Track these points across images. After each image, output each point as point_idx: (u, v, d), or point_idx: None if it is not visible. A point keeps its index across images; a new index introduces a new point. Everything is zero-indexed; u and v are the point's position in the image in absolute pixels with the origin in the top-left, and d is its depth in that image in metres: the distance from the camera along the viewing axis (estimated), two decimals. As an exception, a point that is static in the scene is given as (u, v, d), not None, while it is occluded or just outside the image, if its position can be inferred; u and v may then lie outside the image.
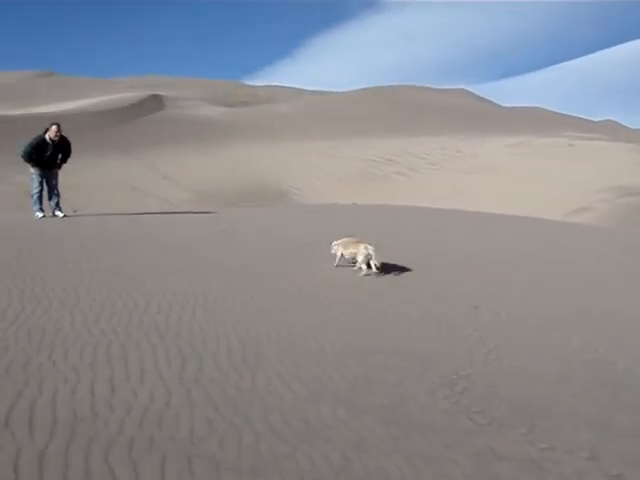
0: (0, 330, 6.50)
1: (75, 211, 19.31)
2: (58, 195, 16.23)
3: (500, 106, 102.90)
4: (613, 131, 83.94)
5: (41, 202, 16.13)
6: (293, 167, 50.10)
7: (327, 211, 21.62)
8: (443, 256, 13.15)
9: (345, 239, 11.12)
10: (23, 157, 15.85)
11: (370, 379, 5.94)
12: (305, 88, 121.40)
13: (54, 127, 15.91)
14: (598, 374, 6.67)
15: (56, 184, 16.23)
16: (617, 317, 9.56)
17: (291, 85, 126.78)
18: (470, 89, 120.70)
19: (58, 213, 16.06)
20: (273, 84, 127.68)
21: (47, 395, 5.07)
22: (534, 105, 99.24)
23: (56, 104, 74.48)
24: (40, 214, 15.95)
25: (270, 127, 66.31)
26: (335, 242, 11.21)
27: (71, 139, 16.43)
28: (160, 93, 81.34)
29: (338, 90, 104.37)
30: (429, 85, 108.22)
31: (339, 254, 11.00)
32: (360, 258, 10.58)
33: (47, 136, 15.84)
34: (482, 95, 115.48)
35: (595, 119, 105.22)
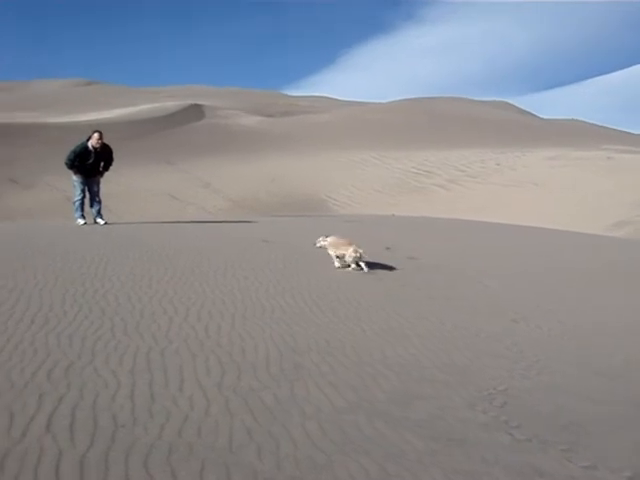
0: (43, 335, 6.60)
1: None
2: (100, 202, 16.40)
3: (540, 118, 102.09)
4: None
5: (82, 209, 16.34)
6: (331, 177, 50.09)
7: (365, 221, 21.60)
8: (480, 269, 13.06)
9: (334, 239, 11.75)
10: (66, 164, 16.07)
11: (408, 391, 5.91)
12: (345, 99, 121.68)
13: (96, 135, 16.10)
14: (641, 392, 6.56)
15: (98, 191, 16.42)
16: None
17: (331, 95, 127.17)
18: (511, 101, 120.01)
19: (99, 220, 16.23)
20: (313, 94, 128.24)
21: (88, 400, 5.13)
22: (573, 117, 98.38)
23: (97, 112, 75.31)
24: (82, 221, 16.15)
25: (309, 137, 66.42)
26: (322, 238, 11.91)
27: (112, 147, 16.62)
28: (201, 103, 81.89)
29: (378, 101, 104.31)
30: (469, 97, 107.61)
31: (332, 254, 11.56)
32: (349, 260, 11.25)
33: (89, 144, 16.03)
34: (523, 107, 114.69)
35: (635, 132, 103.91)
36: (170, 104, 79.29)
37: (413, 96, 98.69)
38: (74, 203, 16.38)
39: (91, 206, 16.41)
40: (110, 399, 5.20)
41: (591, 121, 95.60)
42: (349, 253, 11.24)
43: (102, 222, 16.17)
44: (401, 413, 5.39)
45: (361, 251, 11.23)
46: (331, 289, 9.84)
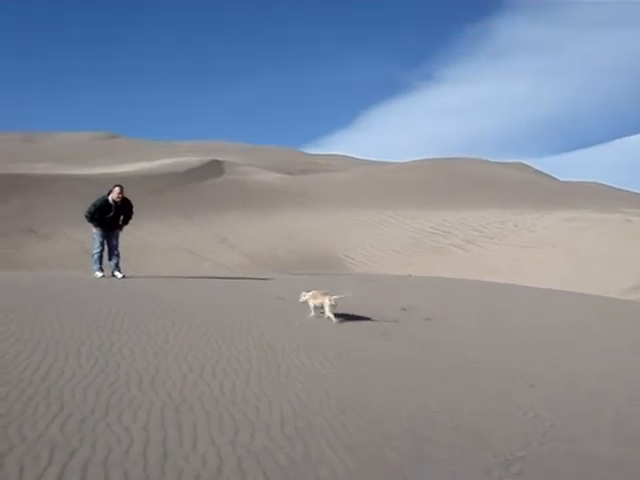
0: (57, 387, 6.59)
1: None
2: (118, 256, 16.53)
3: (558, 180, 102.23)
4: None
5: (101, 262, 16.45)
6: (349, 235, 50.24)
7: (382, 281, 21.59)
8: (495, 330, 12.99)
9: (314, 291, 12.43)
10: (86, 217, 16.25)
11: (421, 453, 5.84)
12: (363, 158, 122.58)
13: (117, 189, 16.30)
14: (659, 460, 6.45)
15: (117, 245, 16.56)
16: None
17: (350, 154, 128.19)
18: (530, 163, 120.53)
19: (117, 273, 16.32)
20: (332, 153, 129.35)
21: (100, 456, 5.10)
22: (595, 180, 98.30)
23: (119, 165, 76.17)
24: (100, 274, 16.23)
25: (327, 195, 66.74)
26: (304, 293, 12.55)
27: (132, 200, 16.80)
28: (221, 159, 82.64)
29: (395, 160, 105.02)
30: (487, 158, 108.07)
31: (311, 305, 12.23)
32: (326, 309, 11.96)
33: (110, 197, 16.21)
34: (541, 169, 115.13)
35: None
36: (190, 159, 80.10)
37: (431, 156, 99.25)
38: (93, 256, 16.50)
39: (110, 259, 16.54)
40: (123, 455, 5.16)
41: (615, 183, 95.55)
42: (325, 302, 11.93)
43: (120, 275, 16.26)
44: (414, 476, 5.32)
45: (335, 298, 11.94)
46: (345, 348, 9.80)
